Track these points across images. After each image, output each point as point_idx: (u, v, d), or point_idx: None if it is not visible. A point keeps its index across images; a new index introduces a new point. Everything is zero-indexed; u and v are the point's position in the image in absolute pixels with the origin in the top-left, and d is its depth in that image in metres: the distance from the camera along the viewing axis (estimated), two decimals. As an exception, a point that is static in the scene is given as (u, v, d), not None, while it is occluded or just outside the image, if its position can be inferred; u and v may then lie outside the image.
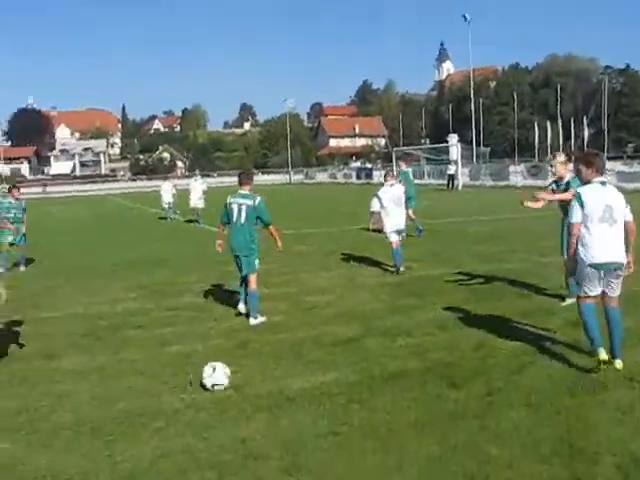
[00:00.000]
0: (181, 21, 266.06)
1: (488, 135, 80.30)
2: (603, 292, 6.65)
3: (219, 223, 9.70)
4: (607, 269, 6.53)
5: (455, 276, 11.90)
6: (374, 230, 15.34)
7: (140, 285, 12.40)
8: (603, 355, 6.39)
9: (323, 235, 19.90)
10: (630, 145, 72.91)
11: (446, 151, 53.75)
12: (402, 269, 12.52)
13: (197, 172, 34.20)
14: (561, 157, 9.81)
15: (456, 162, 49.34)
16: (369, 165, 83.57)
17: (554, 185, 9.62)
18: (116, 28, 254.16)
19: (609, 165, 43.07)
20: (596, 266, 6.50)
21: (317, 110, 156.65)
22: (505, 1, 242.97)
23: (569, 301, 9.14)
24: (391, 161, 61.54)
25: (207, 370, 6.45)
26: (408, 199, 15.43)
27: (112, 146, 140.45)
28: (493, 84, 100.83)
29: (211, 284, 12.05)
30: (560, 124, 67.01)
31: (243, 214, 9.24)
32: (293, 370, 6.96)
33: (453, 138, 53.30)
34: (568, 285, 9.26)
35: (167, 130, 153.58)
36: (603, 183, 6.77)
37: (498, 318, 8.35)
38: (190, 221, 26.45)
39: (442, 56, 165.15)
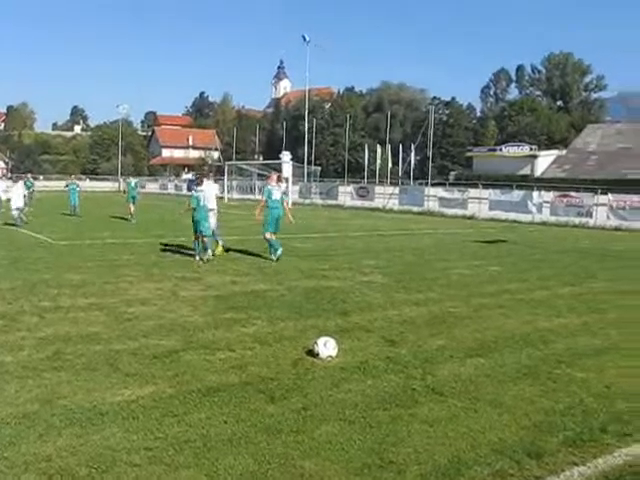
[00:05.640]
0: (10, 12, 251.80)
1: (320, 155, 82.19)
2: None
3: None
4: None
5: (278, 291, 12.04)
6: None
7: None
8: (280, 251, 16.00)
9: (149, 245, 19.49)
10: (452, 173, 76.93)
11: (278, 168, 54.33)
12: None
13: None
14: (275, 175, 17.92)
15: (287, 179, 50.06)
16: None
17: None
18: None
19: (432, 191, 45.34)
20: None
21: (151, 119, 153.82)
22: (344, 25, 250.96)
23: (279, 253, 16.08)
24: (223, 174, 61.45)
25: (320, 343, 7.68)
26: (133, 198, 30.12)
27: None
28: (328, 105, 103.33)
29: (25, 292, 11.46)
30: (389, 149, 69.73)
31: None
32: (107, 383, 6.70)
33: (286, 156, 53.98)
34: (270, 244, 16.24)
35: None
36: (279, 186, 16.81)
37: (317, 334, 8.47)
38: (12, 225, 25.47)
39: (280, 74, 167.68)
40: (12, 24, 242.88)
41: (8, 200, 27.93)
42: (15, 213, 26.13)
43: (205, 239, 16.09)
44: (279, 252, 16.08)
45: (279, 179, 19.66)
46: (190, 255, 16.67)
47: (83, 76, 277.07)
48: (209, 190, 17.26)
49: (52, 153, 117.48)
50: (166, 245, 19.23)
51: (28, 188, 34.82)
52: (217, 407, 6.10)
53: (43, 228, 24.29)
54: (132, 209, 30.04)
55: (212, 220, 17.02)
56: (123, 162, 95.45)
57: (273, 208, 16.30)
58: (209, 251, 16.13)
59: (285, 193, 17.17)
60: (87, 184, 78.23)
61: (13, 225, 25.51)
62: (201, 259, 15.87)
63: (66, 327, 9.03)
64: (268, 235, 16.26)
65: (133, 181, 32.53)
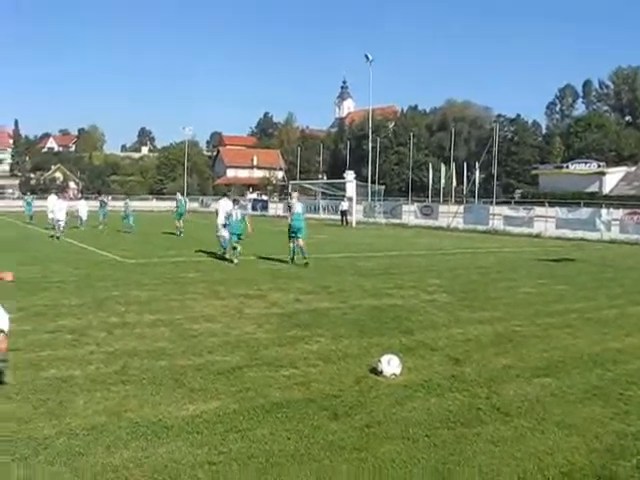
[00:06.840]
0: (80, 38, 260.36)
1: (384, 174, 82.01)
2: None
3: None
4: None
5: (342, 309, 12.03)
6: None
7: (20, 307, 11.85)
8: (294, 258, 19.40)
9: (214, 263, 19.75)
10: (518, 191, 75.84)
11: (342, 187, 54.46)
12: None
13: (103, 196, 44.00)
14: (296, 193, 22.01)
15: (350, 198, 50.12)
16: (265, 197, 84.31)
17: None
18: (10, 38, 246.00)
19: (497, 209, 44.75)
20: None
21: (217, 139, 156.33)
22: (408, 44, 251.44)
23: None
24: (288, 194, 61.86)
25: (384, 361, 7.66)
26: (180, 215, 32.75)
27: (0, 162, 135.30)
28: (392, 124, 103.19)
29: (94, 308, 11.72)
30: (454, 167, 69.16)
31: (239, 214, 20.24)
32: (173, 398, 6.79)
33: (350, 175, 54.13)
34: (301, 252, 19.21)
35: (62, 149, 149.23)
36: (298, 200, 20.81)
37: (381, 352, 8.42)
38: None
39: (344, 94, 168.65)
40: (84, 52, 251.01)
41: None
42: (59, 225, 29.87)
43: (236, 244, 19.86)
44: (294, 258, 19.49)
45: (300, 194, 25.63)
46: (253, 273, 16.91)
47: (150, 99, 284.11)
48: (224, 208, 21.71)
49: (120, 174, 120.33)
50: (231, 263, 19.46)
51: (102, 207, 37.89)
52: (280, 423, 6.12)
53: (110, 246, 24.84)
54: (180, 224, 32.44)
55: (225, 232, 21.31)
56: (189, 182, 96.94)
57: (293, 220, 19.64)
58: (238, 249, 19.76)
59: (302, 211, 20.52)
60: (153, 204, 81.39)
61: (57, 238, 28.73)
62: (232, 260, 19.65)
63: (133, 342, 9.20)
64: (291, 243, 19.58)
65: (182, 199, 34.64)
